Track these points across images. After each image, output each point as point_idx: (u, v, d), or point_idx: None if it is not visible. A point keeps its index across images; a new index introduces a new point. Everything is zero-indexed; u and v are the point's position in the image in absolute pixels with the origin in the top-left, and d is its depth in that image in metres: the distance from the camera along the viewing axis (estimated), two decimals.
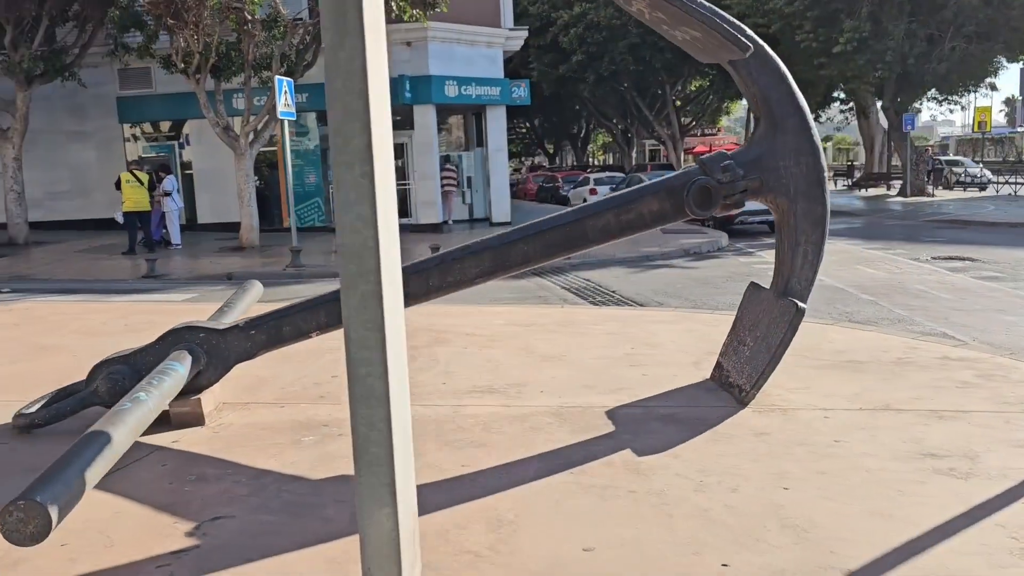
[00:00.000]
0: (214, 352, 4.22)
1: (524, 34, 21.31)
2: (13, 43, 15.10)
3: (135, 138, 19.90)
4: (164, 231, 16.75)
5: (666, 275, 12.32)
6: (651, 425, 4.07)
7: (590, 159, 71.47)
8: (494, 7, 19.73)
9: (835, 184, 41.11)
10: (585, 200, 29.51)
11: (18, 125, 16.22)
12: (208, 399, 4.29)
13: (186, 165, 19.68)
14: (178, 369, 3.87)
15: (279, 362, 5.50)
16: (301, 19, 15.16)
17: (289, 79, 13.45)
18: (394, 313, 2.04)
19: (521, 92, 20.39)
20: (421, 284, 4.26)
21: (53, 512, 2.46)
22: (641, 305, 9.32)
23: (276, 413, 4.41)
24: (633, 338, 6.10)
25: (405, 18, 15.17)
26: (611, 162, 66.00)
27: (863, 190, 34.56)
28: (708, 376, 4.86)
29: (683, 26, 4.19)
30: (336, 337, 6.20)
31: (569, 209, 4.48)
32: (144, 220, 15.86)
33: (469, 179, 21.44)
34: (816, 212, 4.38)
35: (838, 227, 20.05)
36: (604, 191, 27.35)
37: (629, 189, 4.45)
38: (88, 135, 19.52)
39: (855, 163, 44.22)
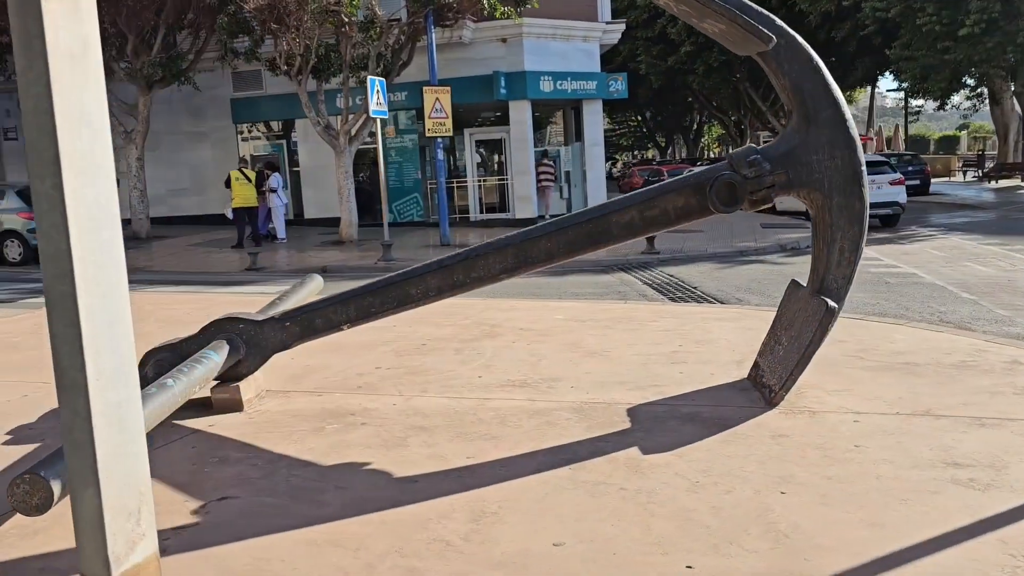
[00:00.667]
0: (252, 342, 4.46)
1: (621, 27, 21.11)
2: (135, 51, 16.20)
3: (250, 137, 20.96)
4: (271, 226, 17.59)
5: (755, 271, 11.99)
6: (669, 423, 4.02)
7: (706, 151, 69.95)
8: (590, 1, 19.64)
9: (963, 175, 38.71)
10: None
11: (140, 127, 17.38)
12: (249, 386, 4.54)
13: (294, 163, 20.58)
14: (212, 358, 4.12)
15: (331, 352, 5.74)
16: (397, 20, 15.57)
17: (382, 79, 13.86)
18: (100, 311, 2.18)
19: (618, 86, 20.23)
20: (447, 279, 4.35)
21: (56, 487, 2.69)
22: (721, 302, 9.13)
23: (312, 401, 4.61)
24: (686, 335, 6.00)
25: (497, 15, 15.33)
26: (728, 154, 64.22)
27: (994, 181, 32.39)
28: (746, 375, 4.75)
29: (708, 19, 4.11)
30: (389, 330, 6.42)
31: (594, 206, 4.47)
32: (252, 215, 16.71)
33: (567, 174, 21.46)
34: (853, 208, 4.21)
35: (957, 221, 18.94)
36: None
37: (655, 185, 4.39)
38: (205, 135, 20.72)
39: (985, 152, 41.40)
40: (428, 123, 15.20)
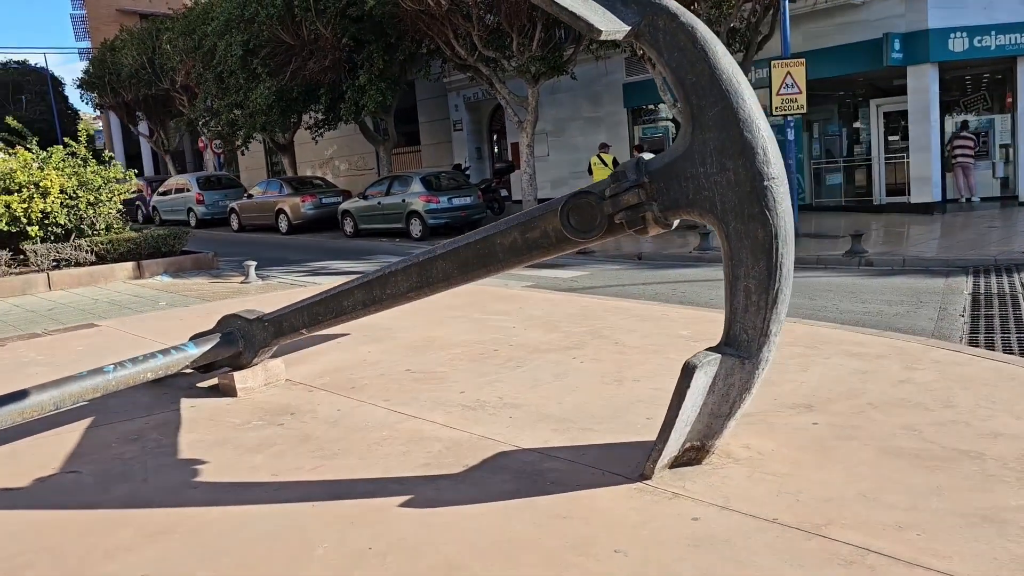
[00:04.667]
0: (247, 338, 5.02)
1: None
2: (519, 48, 17.80)
3: (640, 120, 21.49)
4: None
5: None
6: (499, 478, 3.53)
7: None
8: None
9: None
10: None
11: (530, 116, 19.06)
12: (256, 375, 5.10)
13: None
14: (186, 349, 4.79)
15: (410, 349, 6.04)
16: None
17: None
18: None
19: None
20: (368, 294, 4.39)
21: None
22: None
23: (294, 396, 5.00)
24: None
25: None
26: None
27: None
28: None
29: None
30: (505, 331, 6.40)
31: (496, 222, 4.02)
32: None
33: (1006, 149, 17.73)
34: (755, 236, 3.17)
35: None
36: None
37: (547, 202, 3.79)
38: (600, 120, 21.79)
39: None
40: (776, 100, 13.97)
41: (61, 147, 13.65)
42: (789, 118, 14.29)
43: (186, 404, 4.96)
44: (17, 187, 12.49)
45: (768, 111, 16.71)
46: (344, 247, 17.95)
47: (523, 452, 3.83)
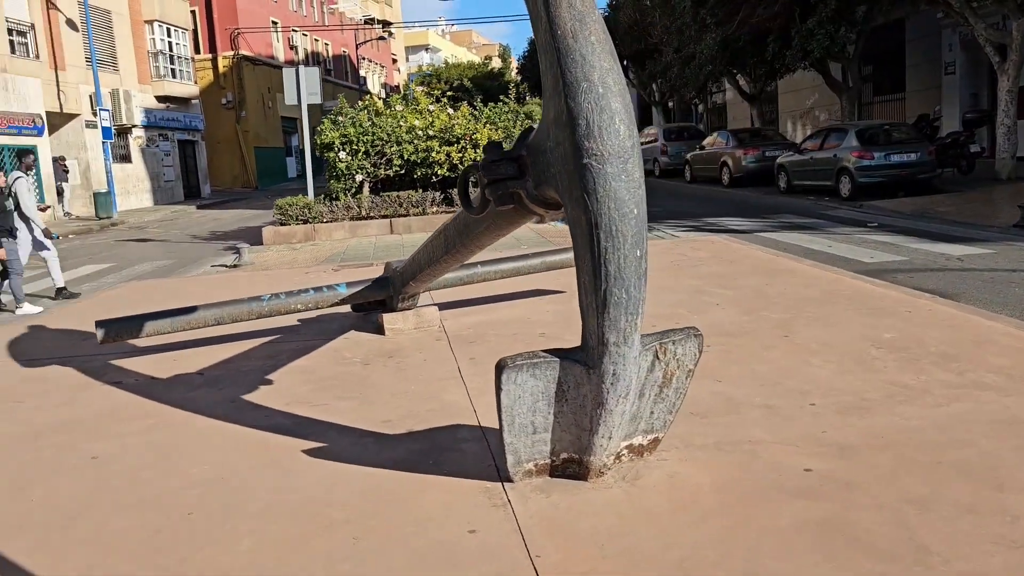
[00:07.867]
0: (395, 285, 5.54)
1: None
2: None
3: None
4: None
5: None
6: (409, 447, 3.51)
7: None
8: None
9: None
10: None
11: (1013, 56, 15.64)
12: (404, 319, 5.61)
13: None
14: (338, 289, 5.50)
15: (571, 312, 5.95)
16: None
17: None
18: None
19: None
20: (428, 255, 4.57)
21: (100, 333, 5.01)
22: None
23: (418, 341, 5.36)
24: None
25: None
26: None
27: None
28: None
29: None
30: (654, 305, 5.97)
31: None
32: None
33: None
34: (581, 223, 2.65)
35: None
36: None
37: None
38: None
39: None
40: None
41: (501, 103, 15.65)
42: None
43: (345, 335, 5.74)
44: (456, 139, 14.77)
45: None
46: (760, 203, 17.19)
47: (472, 428, 3.71)
